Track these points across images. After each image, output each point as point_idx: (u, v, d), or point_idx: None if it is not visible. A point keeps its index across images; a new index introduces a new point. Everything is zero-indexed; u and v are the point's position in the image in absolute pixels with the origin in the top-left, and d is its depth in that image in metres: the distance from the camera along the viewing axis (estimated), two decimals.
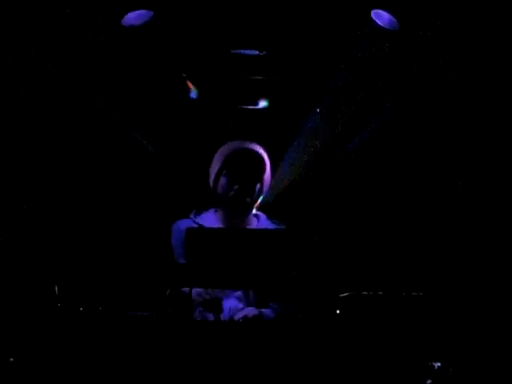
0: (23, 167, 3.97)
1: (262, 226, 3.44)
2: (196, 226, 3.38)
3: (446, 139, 4.04)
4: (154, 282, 3.00)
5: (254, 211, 3.49)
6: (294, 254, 3.04)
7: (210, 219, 3.43)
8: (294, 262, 3.01)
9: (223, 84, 4.22)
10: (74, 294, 3.10)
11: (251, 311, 3.24)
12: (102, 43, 3.78)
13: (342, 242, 4.01)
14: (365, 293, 3.07)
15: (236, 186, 3.35)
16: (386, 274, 3.82)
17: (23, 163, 3.98)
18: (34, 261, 3.59)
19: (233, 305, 3.26)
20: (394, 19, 3.70)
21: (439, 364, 2.95)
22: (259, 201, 3.46)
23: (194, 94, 4.15)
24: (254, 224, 3.45)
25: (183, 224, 3.40)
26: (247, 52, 4.03)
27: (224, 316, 3.24)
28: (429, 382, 2.93)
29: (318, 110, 4.13)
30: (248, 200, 3.38)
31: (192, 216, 3.45)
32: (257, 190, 3.39)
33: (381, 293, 3.06)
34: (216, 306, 3.25)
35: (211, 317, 3.24)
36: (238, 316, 3.22)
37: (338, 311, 3.09)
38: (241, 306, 3.27)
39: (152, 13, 3.67)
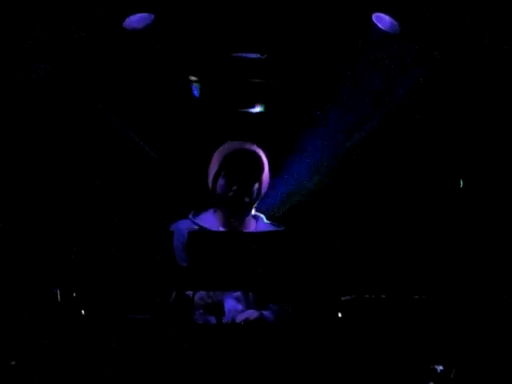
0: (27, 172, 3.97)
1: (261, 227, 3.44)
2: (195, 226, 3.39)
3: (448, 141, 4.05)
4: (156, 285, 3.00)
5: (253, 212, 3.50)
6: (295, 257, 3.04)
7: (209, 219, 3.44)
8: (295, 264, 3.01)
9: (224, 86, 4.22)
10: (76, 297, 3.09)
11: (252, 314, 3.24)
12: (104, 46, 3.78)
13: (344, 245, 4.01)
14: (367, 296, 3.07)
15: (234, 187, 3.36)
16: (388, 277, 3.82)
17: (27, 168, 3.98)
18: (36, 264, 3.58)
19: (231, 306, 3.27)
20: (395, 22, 3.70)
21: (441, 367, 2.95)
22: (258, 201, 3.46)
23: (196, 91, 4.15)
24: (252, 225, 3.46)
25: (182, 224, 3.41)
26: (249, 55, 4.03)
27: (225, 319, 3.24)
28: None
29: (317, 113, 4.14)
30: (247, 200, 3.38)
31: (191, 216, 3.45)
32: (255, 190, 3.40)
33: (383, 296, 3.05)
34: (218, 309, 3.25)
35: (213, 320, 3.24)
36: (240, 319, 3.22)
37: (339, 314, 3.09)
38: (240, 306, 3.27)
39: (153, 16, 3.67)
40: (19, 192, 3.93)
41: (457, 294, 3.25)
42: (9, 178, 3.91)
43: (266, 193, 3.50)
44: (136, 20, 3.64)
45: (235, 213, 3.41)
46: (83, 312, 3.00)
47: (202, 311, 3.24)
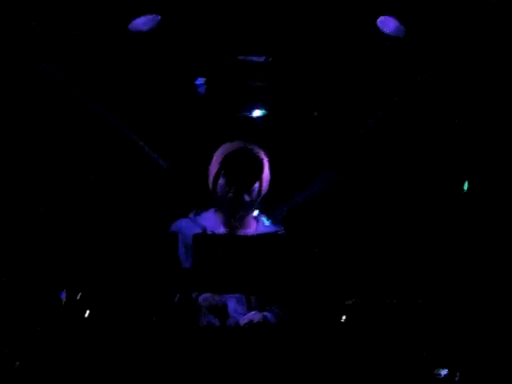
0: (32, 175, 3.98)
1: (262, 228, 3.45)
2: (196, 225, 3.39)
3: (452, 145, 4.05)
4: (160, 287, 3.00)
5: (256, 213, 3.51)
6: (300, 260, 3.04)
7: (210, 219, 3.44)
8: (299, 267, 3.01)
9: (228, 89, 4.22)
10: (80, 299, 3.10)
11: (256, 316, 3.24)
12: (109, 48, 3.78)
13: (348, 249, 4.01)
14: (371, 300, 3.07)
15: (234, 187, 3.36)
16: (392, 281, 3.82)
17: (33, 171, 3.98)
18: (39, 265, 3.58)
19: (233, 308, 3.27)
20: (400, 26, 3.70)
21: (446, 371, 2.95)
22: (259, 200, 3.46)
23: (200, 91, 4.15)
24: (253, 225, 3.46)
25: (183, 224, 3.42)
26: (253, 58, 4.03)
27: (229, 321, 3.24)
28: None
29: (315, 114, 4.14)
30: (247, 200, 3.38)
31: (191, 216, 3.46)
32: (256, 189, 3.40)
33: (387, 300, 3.05)
34: (221, 311, 3.25)
35: (216, 322, 3.24)
36: (244, 321, 3.22)
37: (343, 318, 3.09)
38: (241, 308, 3.27)
39: (159, 18, 3.67)
40: (26, 195, 3.94)
41: (461, 298, 3.25)
42: (15, 182, 3.91)
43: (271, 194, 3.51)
44: (142, 22, 3.64)
45: (235, 213, 3.41)
46: (87, 314, 3.00)
47: (207, 314, 3.23)
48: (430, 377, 2.94)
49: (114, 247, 3.03)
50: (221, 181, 3.40)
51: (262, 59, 4.03)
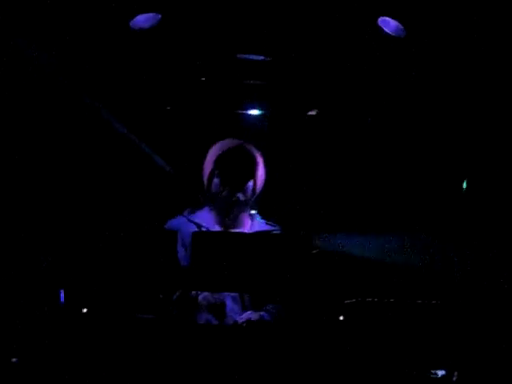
0: (32, 175, 3.98)
1: (256, 226, 3.46)
2: (190, 223, 3.39)
3: (451, 145, 4.05)
4: (158, 285, 3.00)
5: (253, 211, 3.51)
6: (299, 259, 3.04)
7: (205, 217, 3.45)
8: (298, 266, 3.01)
9: (227, 87, 4.23)
10: (78, 296, 3.09)
11: (254, 315, 3.24)
12: (110, 45, 3.78)
13: (347, 249, 4.01)
14: (369, 299, 3.07)
15: (228, 186, 3.37)
16: (391, 281, 3.82)
17: (32, 171, 3.98)
18: (38, 263, 3.58)
19: (229, 306, 3.27)
20: (400, 26, 3.70)
21: (443, 372, 2.95)
22: (253, 199, 3.47)
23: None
24: (247, 224, 3.47)
25: (177, 222, 3.42)
26: (253, 57, 4.03)
27: (227, 319, 3.24)
28: None
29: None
30: (241, 199, 3.39)
31: (186, 214, 3.46)
32: (250, 188, 3.41)
33: (386, 300, 3.05)
34: (219, 309, 3.25)
35: (214, 320, 3.24)
36: (241, 320, 3.23)
37: (341, 317, 3.09)
38: (237, 307, 3.27)
39: (160, 16, 3.67)
40: (27, 194, 3.94)
41: (460, 298, 3.25)
42: (14, 181, 3.91)
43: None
44: (143, 20, 3.64)
45: (230, 211, 3.42)
46: (85, 310, 3.00)
47: (205, 312, 3.24)
48: (428, 377, 2.94)
49: (111, 245, 3.03)
50: (215, 180, 3.41)
51: (261, 58, 4.04)
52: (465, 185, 3.90)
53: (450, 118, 4.01)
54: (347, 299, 3.11)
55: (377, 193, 4.18)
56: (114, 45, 3.81)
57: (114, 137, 4.11)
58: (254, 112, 4.31)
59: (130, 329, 2.84)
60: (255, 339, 2.84)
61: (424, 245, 3.90)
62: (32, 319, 2.92)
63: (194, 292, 3.18)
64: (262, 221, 3.50)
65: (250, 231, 3.42)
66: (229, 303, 3.28)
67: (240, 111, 4.30)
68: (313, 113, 4.29)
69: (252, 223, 3.48)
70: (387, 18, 3.73)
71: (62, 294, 3.07)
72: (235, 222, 3.44)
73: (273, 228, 3.46)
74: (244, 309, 3.29)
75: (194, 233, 2.93)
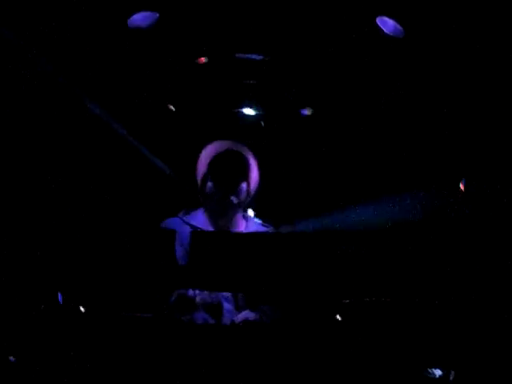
0: (30, 174, 3.98)
1: (251, 227, 3.46)
2: (185, 225, 3.39)
3: (449, 143, 4.05)
4: (155, 284, 3.00)
5: (251, 213, 3.51)
6: (296, 259, 3.04)
7: (199, 219, 3.45)
8: (296, 266, 3.01)
9: (224, 86, 4.23)
10: (76, 294, 3.09)
11: (251, 314, 3.24)
12: (107, 44, 3.78)
13: (346, 249, 4.01)
14: (366, 299, 3.08)
15: (221, 189, 3.37)
16: (388, 280, 3.83)
17: (30, 171, 3.98)
18: (35, 261, 3.58)
19: (225, 306, 3.28)
20: (398, 26, 3.70)
21: (440, 371, 2.95)
22: (248, 200, 3.47)
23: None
24: (242, 225, 3.47)
25: (171, 223, 3.42)
26: (252, 57, 4.03)
27: (224, 319, 3.24)
28: None
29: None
30: (235, 201, 3.39)
31: (181, 215, 3.46)
32: (243, 190, 3.41)
33: (383, 299, 3.06)
34: (216, 309, 3.26)
35: (211, 320, 3.24)
36: (238, 319, 3.23)
37: (338, 317, 3.09)
38: (231, 307, 3.28)
39: (157, 14, 3.67)
40: (27, 194, 3.94)
41: (457, 297, 3.26)
42: (14, 180, 3.91)
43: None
44: (140, 18, 3.64)
45: (224, 213, 3.42)
46: (82, 309, 3.00)
47: (202, 312, 3.24)
48: (425, 376, 2.95)
49: (110, 244, 3.03)
50: (208, 183, 3.41)
51: (260, 57, 4.03)
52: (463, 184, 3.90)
53: (447, 118, 4.01)
54: (344, 299, 3.11)
55: (377, 191, 4.19)
56: (112, 44, 3.81)
57: (113, 137, 4.11)
58: (250, 112, 4.30)
59: (128, 328, 2.83)
60: (252, 338, 2.84)
61: (419, 243, 3.91)
62: (30, 318, 2.92)
63: (191, 293, 3.18)
64: (257, 222, 3.51)
65: (246, 231, 3.42)
66: (225, 303, 3.29)
67: (236, 110, 4.30)
68: (308, 112, 4.29)
69: (247, 224, 3.48)
70: (385, 18, 3.74)
71: (60, 293, 3.06)
72: (230, 223, 3.44)
73: (268, 229, 3.47)
74: (238, 309, 3.29)
75: (193, 232, 2.93)
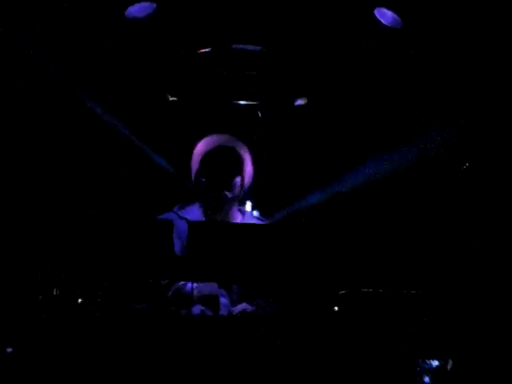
0: (25, 169, 3.98)
1: (247, 221, 3.46)
2: (181, 219, 3.39)
3: (447, 138, 4.05)
4: (154, 275, 3.00)
5: (248, 206, 3.52)
6: (294, 250, 3.04)
7: (195, 213, 3.46)
8: (294, 258, 3.01)
9: (221, 79, 4.22)
10: (73, 286, 3.09)
11: (248, 306, 3.25)
12: (105, 35, 3.77)
13: (342, 239, 4.01)
14: (364, 290, 3.08)
15: (215, 184, 3.38)
16: (385, 271, 3.83)
17: (26, 165, 3.98)
18: (32, 254, 3.58)
19: (223, 298, 3.28)
20: (397, 17, 3.70)
21: (437, 362, 2.95)
22: (242, 194, 3.47)
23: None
24: (238, 219, 3.48)
25: (167, 218, 3.42)
26: (248, 48, 4.03)
27: (221, 311, 3.25)
28: (426, 379, 2.93)
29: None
30: (229, 196, 3.40)
31: (176, 209, 3.47)
32: (237, 184, 3.42)
33: (380, 290, 3.06)
34: (213, 301, 3.26)
35: (209, 312, 3.25)
36: (236, 311, 3.23)
37: (336, 308, 3.09)
38: (225, 300, 3.29)
39: (155, 5, 3.66)
40: (26, 189, 3.94)
41: (453, 288, 3.26)
42: (14, 177, 3.91)
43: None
44: (138, 9, 3.63)
45: (219, 208, 3.43)
46: (80, 301, 3.00)
47: (198, 303, 3.25)
48: (422, 367, 2.95)
49: (107, 235, 3.03)
50: (202, 179, 3.41)
51: (257, 49, 4.03)
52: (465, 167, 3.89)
53: (444, 110, 4.01)
54: (342, 290, 3.11)
55: (373, 185, 4.19)
56: (109, 35, 3.80)
57: (109, 131, 4.11)
58: (246, 102, 4.30)
59: (126, 319, 2.84)
60: (250, 329, 2.84)
61: (417, 234, 3.91)
62: (27, 309, 2.92)
63: (189, 288, 3.19)
64: (253, 215, 3.51)
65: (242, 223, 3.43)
66: (220, 298, 3.29)
67: (232, 102, 4.29)
68: (301, 102, 4.29)
69: (243, 217, 3.48)
70: (383, 9, 3.73)
71: (57, 285, 3.06)
72: (225, 217, 3.45)
73: (264, 223, 3.47)
74: (232, 303, 3.30)
75: (190, 222, 2.93)
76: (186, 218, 3.40)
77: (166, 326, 2.83)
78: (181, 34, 3.89)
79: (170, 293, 3.24)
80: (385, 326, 2.97)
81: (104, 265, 2.96)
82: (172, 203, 3.52)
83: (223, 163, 3.39)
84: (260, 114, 4.28)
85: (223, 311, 3.26)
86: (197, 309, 3.25)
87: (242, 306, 3.26)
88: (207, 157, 3.41)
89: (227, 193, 3.39)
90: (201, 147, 3.45)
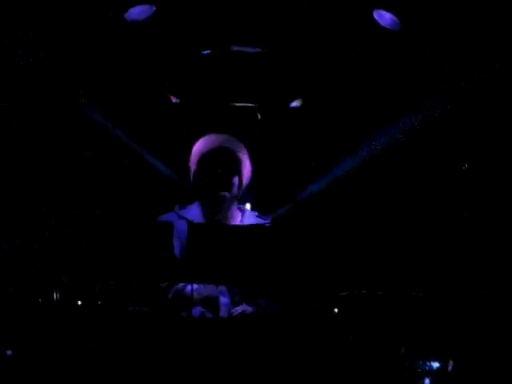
0: (25, 171, 3.98)
1: (247, 220, 3.46)
2: (181, 219, 3.40)
3: (447, 139, 4.06)
4: (154, 277, 2.99)
5: (248, 206, 3.51)
6: (294, 252, 3.04)
7: (194, 213, 3.46)
8: (293, 259, 3.01)
9: (220, 80, 4.23)
10: (73, 288, 3.09)
11: (248, 308, 3.25)
12: (104, 38, 3.78)
13: (342, 243, 4.02)
14: (364, 292, 3.08)
15: (213, 185, 3.38)
16: (386, 273, 3.83)
17: (25, 167, 3.98)
18: (33, 256, 3.58)
19: (224, 300, 3.28)
20: (395, 19, 3.70)
21: (437, 363, 2.95)
22: (240, 193, 3.48)
23: None
24: (238, 218, 3.47)
25: (168, 217, 3.42)
26: (247, 49, 4.03)
27: (221, 313, 3.25)
28: (427, 380, 2.93)
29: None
30: (227, 196, 3.40)
31: (176, 209, 3.47)
32: (235, 184, 3.42)
33: (381, 292, 3.06)
34: (213, 303, 3.26)
35: (209, 314, 3.24)
36: (236, 312, 3.23)
37: (335, 310, 3.09)
38: (226, 301, 3.29)
39: (154, 8, 3.67)
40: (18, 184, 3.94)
41: (454, 289, 3.27)
42: (14, 177, 3.91)
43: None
44: (137, 12, 3.64)
45: (218, 208, 3.43)
46: (79, 303, 3.00)
47: (199, 306, 3.24)
48: (422, 369, 2.95)
49: (107, 237, 3.03)
50: (200, 179, 3.42)
51: (256, 50, 4.03)
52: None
53: (444, 110, 4.02)
54: (342, 291, 3.11)
55: (374, 187, 4.19)
56: (108, 37, 3.81)
57: (107, 134, 4.11)
58: (244, 104, 4.31)
59: (126, 322, 2.83)
60: (250, 331, 2.84)
61: (416, 237, 3.91)
62: (27, 311, 2.92)
63: (189, 290, 3.19)
64: (252, 214, 3.51)
65: (242, 224, 3.42)
66: (220, 298, 3.29)
67: (230, 103, 4.30)
68: (296, 104, 4.29)
69: (243, 216, 3.48)
70: (382, 11, 3.74)
71: (57, 287, 3.06)
72: (225, 217, 3.44)
73: (264, 221, 3.47)
74: (234, 304, 3.30)
75: (190, 223, 2.93)
76: (185, 218, 3.40)
77: (166, 328, 2.83)
78: (179, 36, 3.90)
79: (170, 295, 3.24)
80: (385, 327, 2.97)
81: (104, 267, 2.96)
82: (171, 204, 3.52)
83: (221, 164, 3.39)
84: (259, 116, 4.28)
85: (223, 310, 3.26)
86: (197, 310, 3.25)
87: (242, 307, 3.26)
88: (205, 157, 3.41)
89: (225, 193, 3.39)
90: (198, 148, 3.45)
